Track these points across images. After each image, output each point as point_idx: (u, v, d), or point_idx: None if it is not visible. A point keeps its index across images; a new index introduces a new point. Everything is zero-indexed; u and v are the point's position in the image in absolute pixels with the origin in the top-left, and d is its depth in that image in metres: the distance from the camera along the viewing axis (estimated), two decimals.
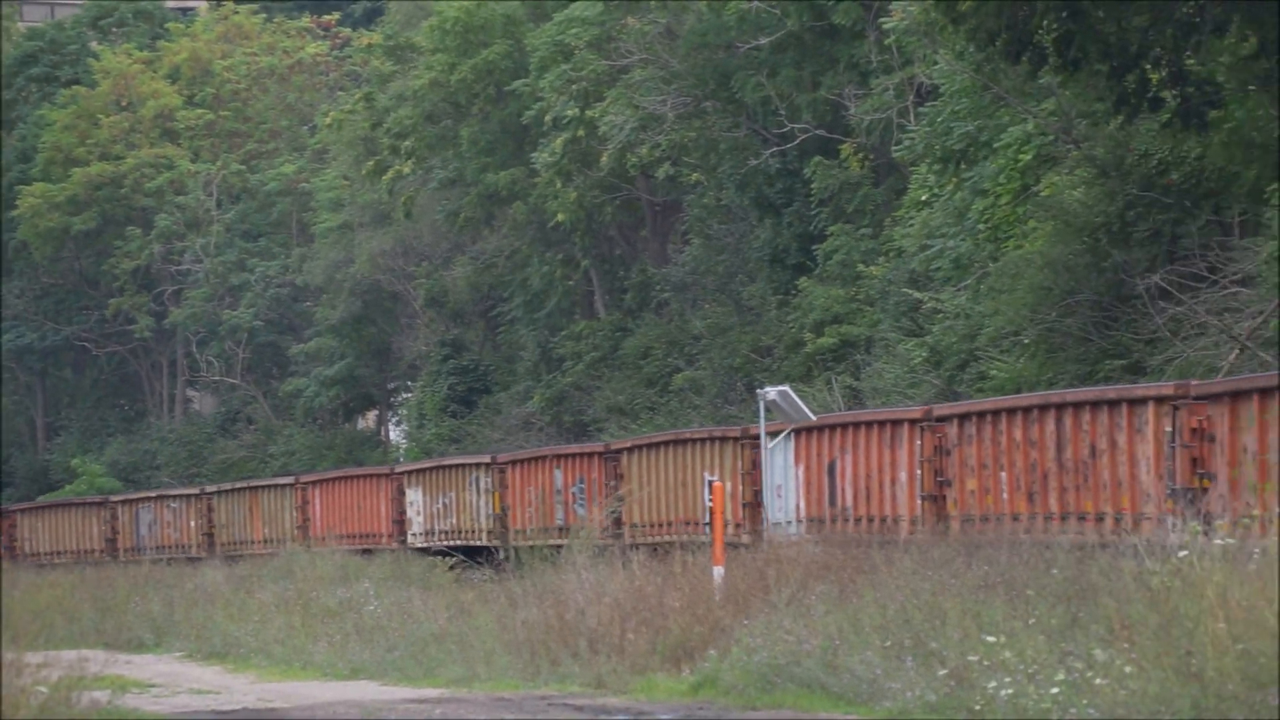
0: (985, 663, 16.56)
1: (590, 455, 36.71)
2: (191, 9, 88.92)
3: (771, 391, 28.50)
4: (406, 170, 60.91)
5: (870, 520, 28.07)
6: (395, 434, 71.92)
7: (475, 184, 59.49)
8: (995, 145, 39.13)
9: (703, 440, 32.68)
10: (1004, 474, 25.47)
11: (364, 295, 68.52)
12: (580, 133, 53.82)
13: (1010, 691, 15.73)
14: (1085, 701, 14.84)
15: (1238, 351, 31.02)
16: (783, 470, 30.22)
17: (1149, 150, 35.32)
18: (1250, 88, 34.54)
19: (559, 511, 37.04)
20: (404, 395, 71.59)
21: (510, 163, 58.96)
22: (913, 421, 27.49)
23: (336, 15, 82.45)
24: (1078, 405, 24.28)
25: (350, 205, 68.91)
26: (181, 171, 74.93)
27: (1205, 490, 21.80)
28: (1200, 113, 34.88)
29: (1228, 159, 34.73)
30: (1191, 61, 34.67)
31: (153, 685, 25.69)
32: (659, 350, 54.85)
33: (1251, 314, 31.59)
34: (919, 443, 26.97)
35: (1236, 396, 21.36)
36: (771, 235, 50.96)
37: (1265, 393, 20.97)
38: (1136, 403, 23.23)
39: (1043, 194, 37.48)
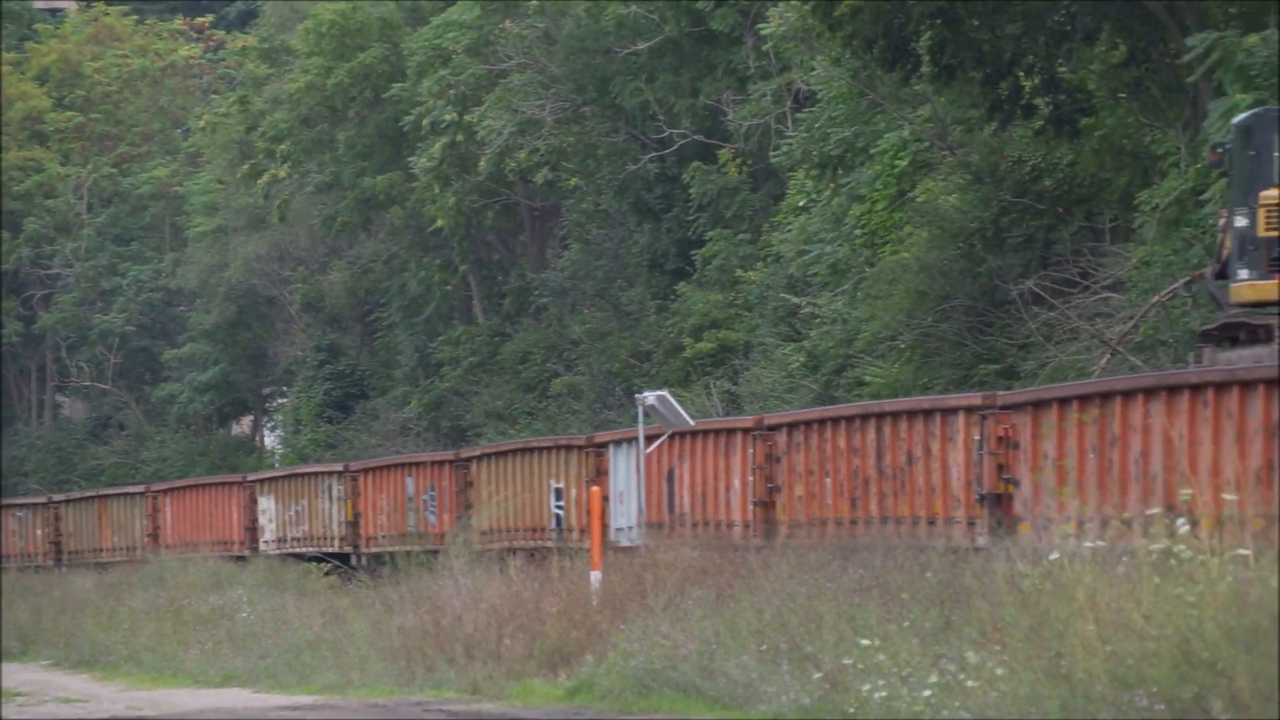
0: (860, 666, 16.64)
1: (441, 463, 37.36)
2: (60, 10, 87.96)
3: (650, 396, 28.56)
4: (282, 174, 60.56)
5: (706, 525, 29.09)
6: (271, 440, 71.45)
7: (352, 188, 59.22)
8: (872, 151, 39.36)
9: (549, 449, 33.56)
10: (829, 480, 26.58)
11: (239, 300, 68.05)
12: (459, 137, 53.69)
13: (884, 694, 15.82)
14: (957, 703, 14.94)
15: (1108, 356, 31.35)
16: (625, 477, 30.98)
17: (1022, 157, 35.64)
18: (1120, 95, 34.93)
19: (411, 518, 37.75)
20: (280, 401, 71.14)
21: (388, 167, 58.74)
22: (745, 430, 28.46)
23: (210, 18, 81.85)
24: (895, 415, 25.40)
25: (225, 209, 68.42)
26: (50, 174, 74.13)
27: (1010, 494, 22.97)
28: (1072, 120, 35.24)
29: (1099, 166, 35.11)
30: (1063, 69, 35.03)
31: (19, 694, 25.40)
32: (538, 355, 54.81)
33: (1122, 319, 31.93)
34: (751, 451, 27.91)
35: (1038, 406, 22.72)
36: (650, 240, 51.03)
37: (1064, 402, 22.32)
38: (949, 412, 24.36)
39: (918, 200, 37.75)
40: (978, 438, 23.63)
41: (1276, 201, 22.64)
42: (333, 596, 31.84)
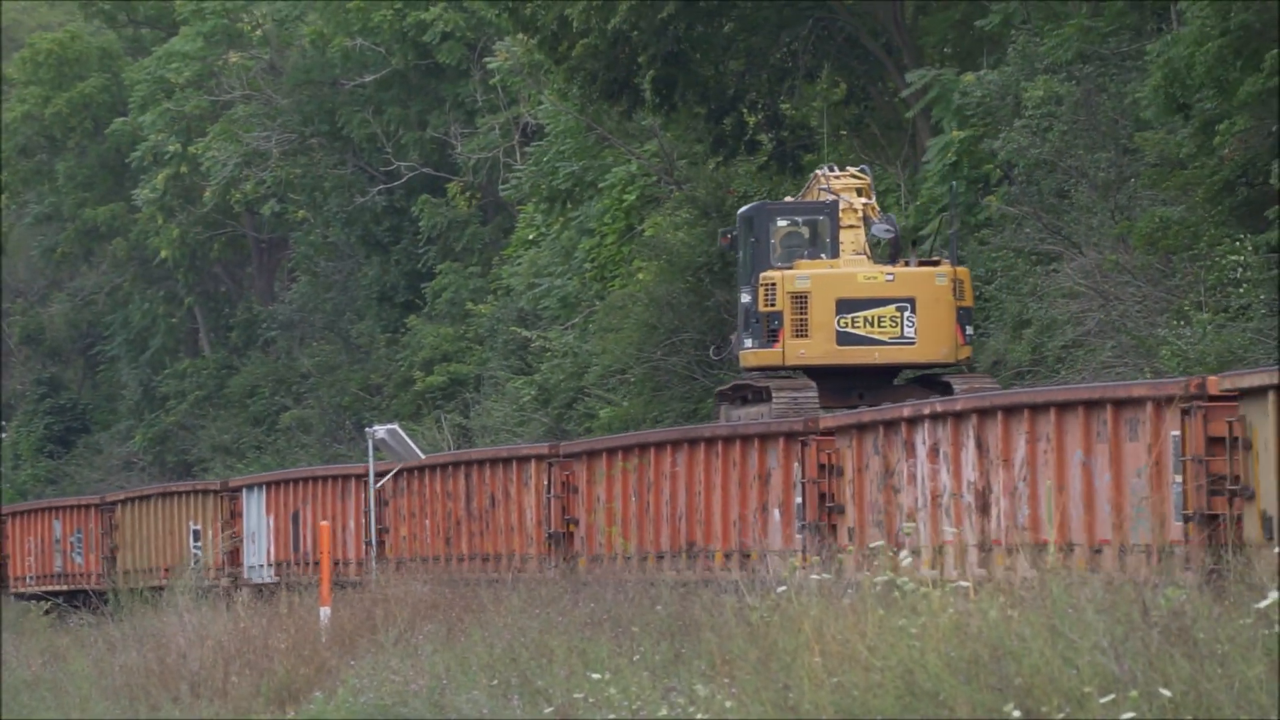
0: (590, 700, 16.74)
1: (87, 507, 39.33)
2: None
3: (380, 430, 28.49)
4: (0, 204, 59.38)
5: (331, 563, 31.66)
6: None
7: (73, 219, 58.25)
8: (600, 185, 39.66)
9: (188, 493, 35.97)
10: (428, 521, 29.30)
11: None
12: (182, 168, 53.08)
13: None
14: None
15: None
16: (257, 518, 33.39)
17: (748, 192, 36.14)
18: (842, 132, 35.60)
19: (58, 560, 39.51)
20: None
21: (110, 198, 57.87)
22: (358, 476, 30.86)
23: None
24: (481, 462, 28.30)
25: None
26: None
27: (571, 533, 26.13)
28: (795, 156, 35.84)
29: None
30: (786, 106, 35.61)
31: None
32: (266, 388, 54.30)
33: None
34: (364, 495, 30.33)
35: (592, 455, 25.88)
36: (379, 273, 50.85)
37: (611, 452, 25.46)
38: (523, 460, 27.22)
39: (646, 234, 38.09)
40: (546, 483, 26.43)
41: (772, 282, 26.50)
42: (53, 635, 31.23)
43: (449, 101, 48.15)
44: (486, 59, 45.67)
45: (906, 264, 26.66)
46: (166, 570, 35.33)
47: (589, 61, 33.66)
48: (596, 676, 16.96)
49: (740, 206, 35.86)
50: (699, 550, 23.75)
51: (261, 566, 33.00)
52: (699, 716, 15.05)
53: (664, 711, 15.53)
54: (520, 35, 38.19)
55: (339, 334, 52.85)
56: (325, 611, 24.41)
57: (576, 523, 25.87)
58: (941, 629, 13.73)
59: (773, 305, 26.51)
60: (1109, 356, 26.39)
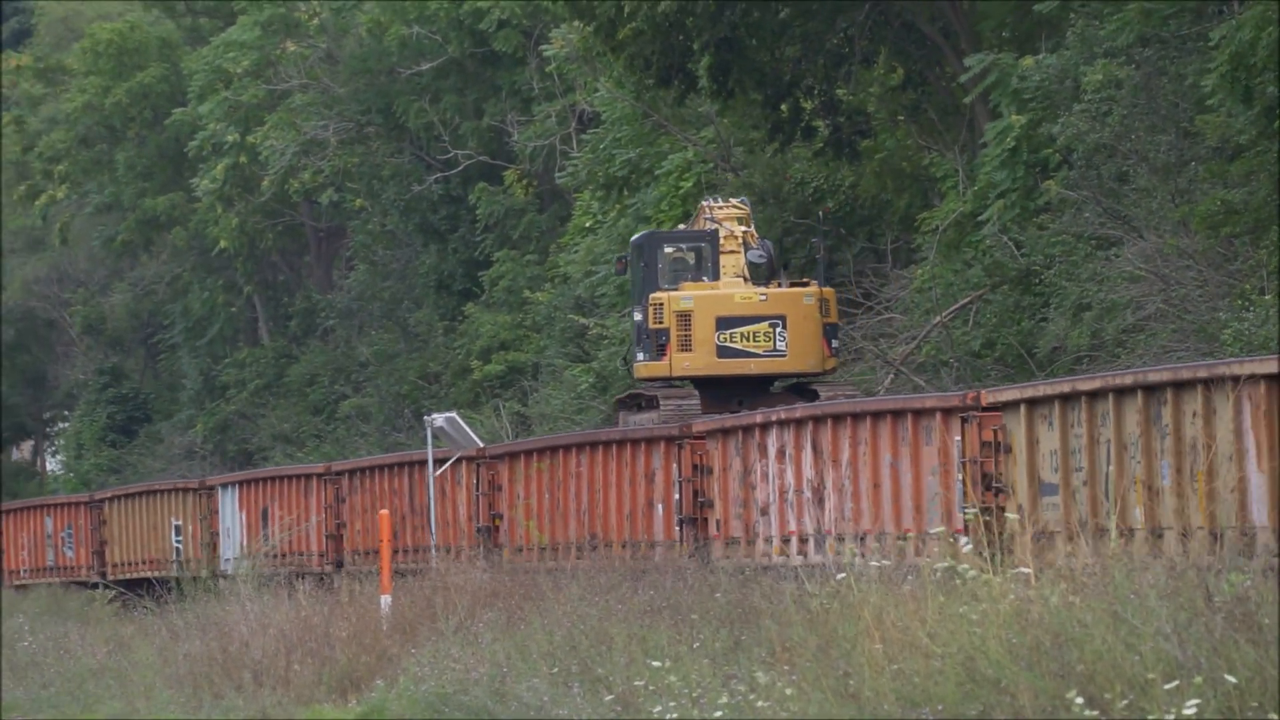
0: (651, 687, 16.76)
1: (77, 504, 42.07)
2: None
3: (439, 418, 28.58)
4: (61, 195, 59.69)
5: (291, 555, 34.40)
6: (53, 464, 70.31)
7: (133, 209, 58.51)
8: (656, 172, 39.64)
9: (169, 491, 38.71)
10: (377, 516, 31.63)
11: (17, 323, 66.90)
12: (241, 158, 53.28)
13: (675, 716, 15.94)
14: None
15: (892, 376, 31.81)
16: (231, 515, 36.29)
17: (805, 178, 36.06)
18: (899, 118, 35.50)
19: (50, 554, 42.27)
20: (61, 425, 70.04)
21: (169, 187, 58.12)
22: (319, 476, 33.81)
23: None
24: (416, 463, 31.07)
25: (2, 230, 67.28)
26: None
27: (497, 526, 28.94)
28: (852, 142, 35.76)
29: (879, 187, 35.63)
30: (842, 91, 35.52)
31: None
32: (325, 377, 54.45)
33: (905, 339, 32.41)
34: (324, 493, 33.53)
35: (513, 456, 29.06)
36: (437, 261, 50.95)
37: (528, 453, 28.70)
38: (455, 462, 29.74)
39: None
40: (476, 481, 29.35)
41: (660, 302, 29.74)
42: (117, 624, 31.42)
43: (505, 89, 48.19)
44: (542, 46, 45.69)
45: (779, 285, 29.89)
46: (151, 562, 38.51)
47: (643, 48, 33.63)
48: (656, 664, 16.98)
49: (796, 193, 35.74)
50: (599, 541, 26.69)
51: (235, 559, 35.79)
52: (759, 704, 15.05)
53: (724, 699, 15.54)
54: (575, 22, 38.19)
55: (397, 322, 52.98)
56: (386, 600, 24.51)
57: (501, 517, 29.04)
58: (1002, 615, 13.71)
59: (661, 323, 29.79)
60: (1169, 341, 26.28)
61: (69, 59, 61.29)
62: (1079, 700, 12.69)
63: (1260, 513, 17.05)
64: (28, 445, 73.00)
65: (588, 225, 43.38)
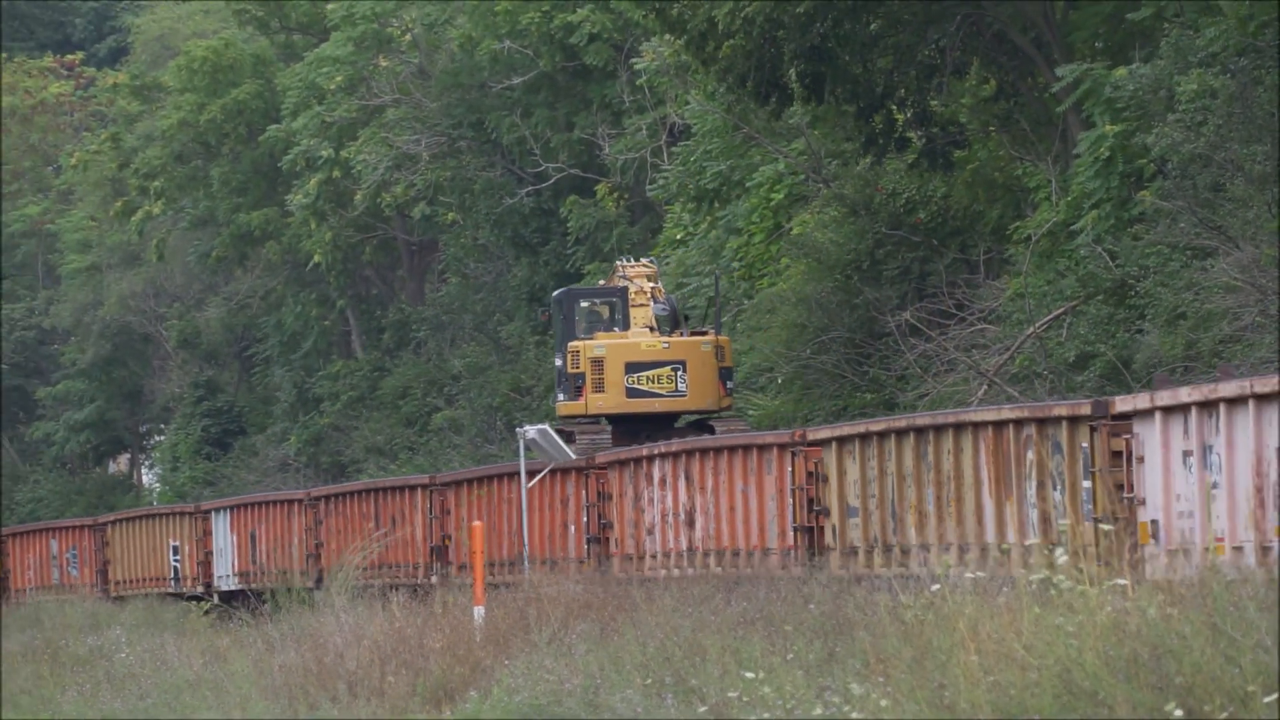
0: (744, 699, 16.73)
1: (81, 527, 45.69)
2: None
3: (531, 430, 28.67)
4: (156, 210, 60.19)
5: (275, 574, 37.95)
6: (149, 478, 70.85)
7: (227, 224, 58.94)
8: (748, 184, 39.62)
9: (167, 515, 42.83)
10: (357, 538, 36.00)
11: (114, 337, 67.48)
12: (335, 173, 53.58)
13: None
14: None
15: (986, 387, 31.68)
16: (224, 537, 40.29)
17: (897, 189, 35.97)
18: (991, 128, 35.36)
19: (55, 574, 46.05)
20: (157, 438, 70.58)
21: (263, 202, 58.52)
22: (299, 501, 37.80)
23: (80, 55, 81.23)
24: (385, 489, 35.64)
25: (98, 246, 67.89)
26: None
27: (446, 546, 33.35)
28: (944, 153, 35.63)
29: (972, 198, 35.50)
30: (935, 103, 35.41)
31: None
32: (418, 390, 54.68)
33: (998, 350, 32.27)
34: (304, 517, 37.34)
35: (458, 484, 33.46)
36: (528, 274, 51.09)
37: (470, 482, 32.96)
38: (412, 488, 34.73)
39: (794, 233, 38.00)
40: (429, 505, 33.91)
41: (577, 350, 34.22)
42: (213, 635, 31.62)
43: (596, 103, 48.29)
44: (634, 60, 45.76)
45: (681, 334, 34.24)
46: (153, 580, 42.23)
47: (737, 62, 33.64)
48: (750, 675, 16.96)
49: (888, 204, 35.80)
50: (520, 559, 30.50)
51: (228, 576, 39.89)
52: (854, 715, 15.01)
53: (819, 710, 15.50)
54: (667, 36, 38.24)
55: (488, 335, 53.14)
56: (479, 611, 24.57)
57: (450, 538, 33.36)
58: (1099, 627, 13.63)
59: (578, 368, 34.23)
60: (1268, 351, 26.06)
61: (165, 76, 61.80)
62: (1178, 713, 12.60)
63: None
64: (124, 458, 73.60)
65: (679, 238, 43.40)
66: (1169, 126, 28.92)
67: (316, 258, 55.46)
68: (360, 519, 35.69)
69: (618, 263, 35.30)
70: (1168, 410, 19.27)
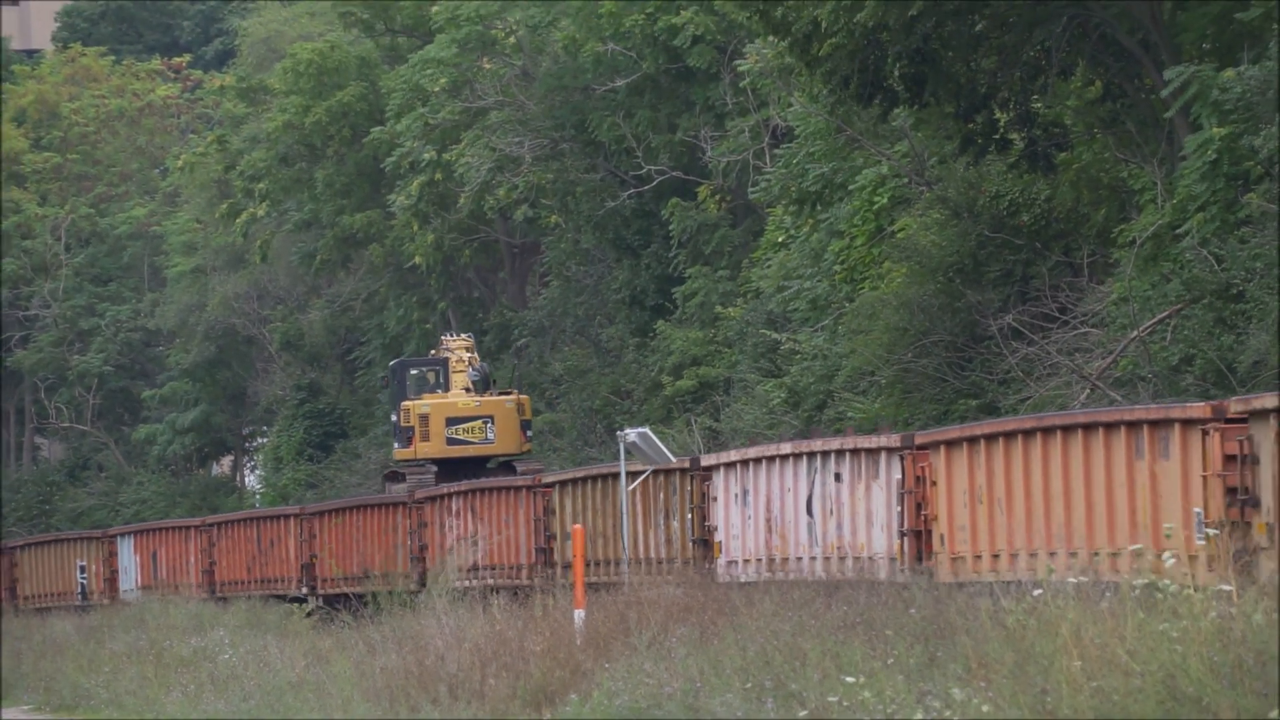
0: (845, 703, 16.65)
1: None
2: (37, 51, 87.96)
3: (631, 433, 28.62)
4: (260, 213, 60.57)
5: (267, 581, 43.63)
6: (252, 479, 71.32)
7: (331, 226, 59.24)
8: (850, 187, 39.46)
9: (75, 540, 49.58)
10: (353, 549, 41.72)
11: (218, 339, 67.97)
12: (438, 175, 53.76)
13: None
14: None
15: (1088, 391, 31.42)
16: (129, 557, 47.27)
17: (1000, 191, 35.72)
18: (1096, 130, 35.06)
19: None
20: (260, 440, 71.03)
21: (366, 205, 58.78)
22: (296, 516, 42.97)
23: (188, 57, 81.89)
24: (363, 506, 41.08)
25: (203, 248, 68.38)
26: (28, 215, 73.99)
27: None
28: (1048, 154, 35.35)
29: (1076, 200, 35.20)
30: (1039, 104, 35.15)
31: None
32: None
33: (1101, 354, 32.00)
34: (300, 530, 42.41)
35: (433, 500, 38.64)
36: (630, 277, 51.08)
37: (437, 498, 39.02)
38: (394, 504, 39.80)
39: (897, 235, 37.82)
40: (410, 517, 39.25)
41: (408, 408, 44.63)
42: (315, 637, 31.77)
43: (699, 105, 48.24)
44: (737, 62, 45.68)
45: (491, 394, 45.04)
46: (58, 594, 49.27)
47: (840, 64, 33.50)
48: (850, 680, 16.88)
49: (991, 206, 35.65)
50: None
51: (131, 589, 47.31)
52: (955, 719, 14.90)
53: (919, 715, 15.41)
54: (771, 38, 38.13)
55: (589, 338, 53.18)
56: (580, 614, 24.57)
57: (426, 548, 38.36)
58: (1203, 633, 13.47)
59: (409, 423, 44.60)
60: None
61: (270, 79, 62.21)
62: None
63: None
64: (227, 460, 74.13)
65: (780, 240, 43.28)
66: (1277, 129, 28.59)
67: (418, 260, 55.66)
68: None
69: (443, 337, 46.16)
70: None
